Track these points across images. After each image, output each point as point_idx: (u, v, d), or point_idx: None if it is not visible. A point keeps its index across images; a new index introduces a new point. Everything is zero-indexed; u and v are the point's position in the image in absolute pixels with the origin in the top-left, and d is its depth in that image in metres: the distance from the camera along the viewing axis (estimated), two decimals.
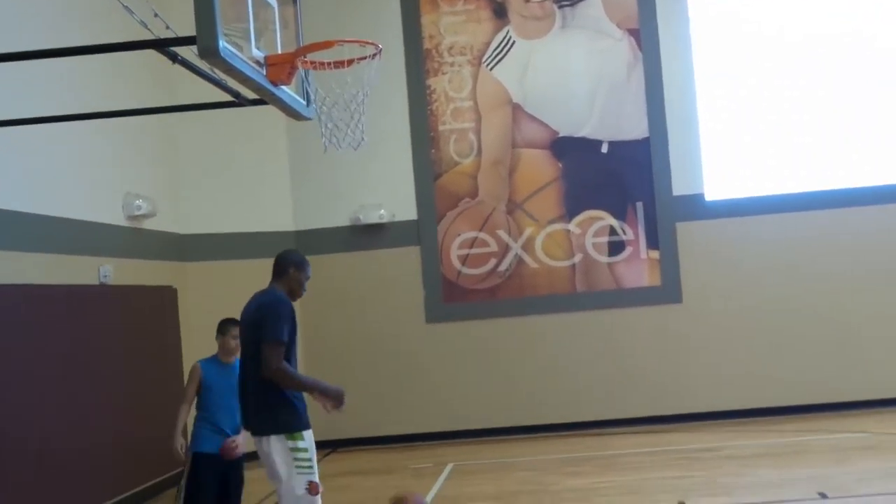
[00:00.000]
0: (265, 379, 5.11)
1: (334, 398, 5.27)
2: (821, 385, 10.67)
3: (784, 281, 10.81)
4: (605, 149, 11.15)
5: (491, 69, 11.31)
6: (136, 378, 8.79)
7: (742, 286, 10.89)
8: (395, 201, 11.33)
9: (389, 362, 11.21)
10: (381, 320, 11.25)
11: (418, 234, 11.33)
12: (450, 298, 11.25)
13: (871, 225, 10.79)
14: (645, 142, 11.09)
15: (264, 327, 5.12)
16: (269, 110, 6.80)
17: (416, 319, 11.29)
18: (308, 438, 5.22)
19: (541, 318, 11.16)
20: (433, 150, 11.35)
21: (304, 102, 6.04)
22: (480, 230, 11.26)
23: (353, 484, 9.09)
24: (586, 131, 11.18)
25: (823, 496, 6.86)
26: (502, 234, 11.24)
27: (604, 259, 11.11)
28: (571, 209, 11.18)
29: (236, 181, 10.87)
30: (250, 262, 10.81)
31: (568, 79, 11.24)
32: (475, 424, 11.10)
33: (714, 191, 11.08)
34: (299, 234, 11.37)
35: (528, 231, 11.22)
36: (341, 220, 11.36)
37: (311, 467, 5.16)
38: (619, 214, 11.11)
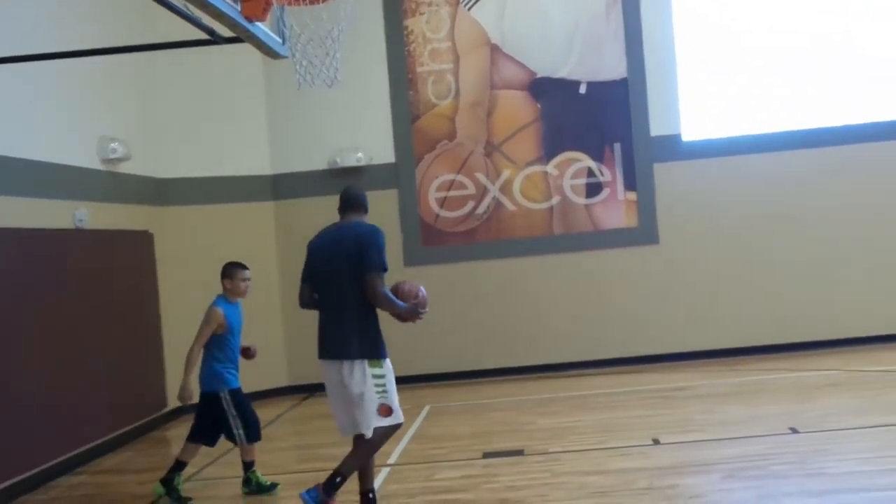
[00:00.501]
0: (361, 306, 5.43)
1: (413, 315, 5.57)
2: (791, 324, 10.73)
3: (760, 221, 10.81)
4: (583, 89, 11.02)
5: (469, 9, 11.11)
6: (112, 323, 8.71)
7: (718, 227, 10.88)
8: (373, 144, 11.19)
9: None
10: None
11: (396, 177, 11.22)
12: (428, 241, 11.19)
13: (848, 163, 10.78)
14: (623, 82, 10.97)
15: (368, 257, 5.40)
16: (245, 51, 6.68)
17: (394, 262, 11.20)
18: (386, 366, 5.54)
19: (518, 260, 11.13)
20: (411, 92, 11.20)
21: (280, 40, 5.95)
22: (458, 173, 11.17)
23: (330, 426, 9.06)
24: (564, 72, 11.05)
25: (794, 431, 6.93)
26: (480, 176, 11.15)
27: (581, 201, 11.06)
28: (549, 151, 11.10)
29: (212, 124, 10.67)
30: (226, 206, 10.73)
31: (546, 19, 11.06)
32: (452, 367, 11.12)
33: (691, 131, 11.01)
34: (276, 178, 11.24)
35: (505, 173, 11.14)
36: (319, 163, 11.22)
37: (386, 392, 5.49)
38: (597, 156, 11.03)
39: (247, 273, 6.54)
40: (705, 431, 7.26)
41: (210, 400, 6.42)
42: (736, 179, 10.88)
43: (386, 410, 5.48)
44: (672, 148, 10.93)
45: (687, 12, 11.02)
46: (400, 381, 11.36)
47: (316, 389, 11.04)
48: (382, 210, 11.18)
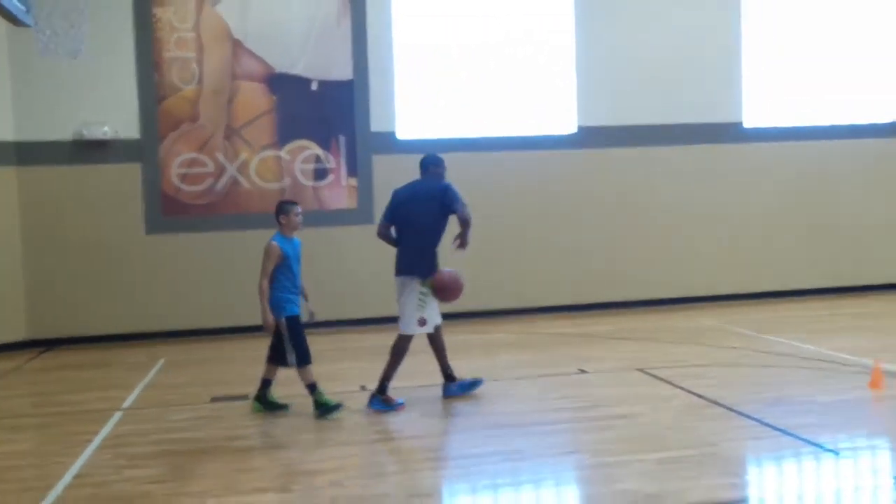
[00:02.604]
0: (429, 240, 6.96)
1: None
2: (478, 295, 11.82)
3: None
4: (314, 87, 11.52)
5: (214, 5, 11.26)
6: None
7: None
8: (119, 120, 11.07)
9: (110, 269, 11.10)
10: (103, 231, 11.07)
11: (140, 152, 11.18)
12: (168, 212, 11.26)
13: (519, 167, 12.03)
14: (349, 83, 11.58)
15: (455, 201, 6.93)
16: None
17: (137, 230, 11.21)
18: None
19: (252, 232, 11.38)
20: (157, 75, 11.17)
21: (24, 8, 5.80)
22: (199, 152, 11.31)
23: (69, 376, 9.05)
24: (299, 69, 11.48)
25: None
26: (220, 156, 11.35)
27: (310, 183, 11.58)
28: (283, 138, 11.50)
29: None
30: None
31: (285, 20, 11.43)
32: (191, 324, 11.30)
33: (406, 130, 11.83)
34: (20, 146, 10.83)
35: (243, 155, 11.42)
36: (64, 134, 10.94)
37: (424, 306, 6.88)
38: (325, 145, 11.58)
39: (299, 209, 6.98)
40: (413, 379, 8.00)
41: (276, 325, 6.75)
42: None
43: (423, 321, 6.91)
44: (388, 143, 11.69)
45: (408, 19, 11.78)
46: (138, 336, 11.45)
47: (55, 344, 10.84)
48: (126, 182, 11.17)
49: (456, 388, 7.18)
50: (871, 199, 13.03)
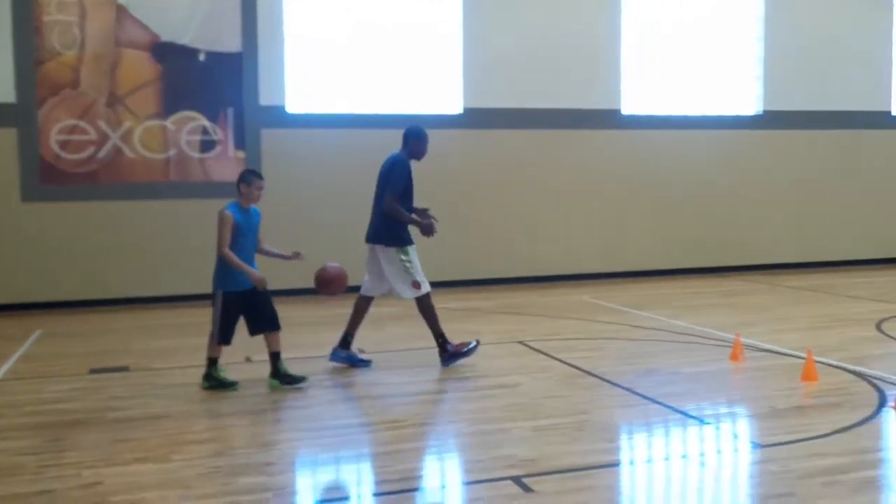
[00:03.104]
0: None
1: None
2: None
3: (349, 184, 11.70)
4: (202, 57, 11.15)
5: None
6: None
7: (315, 185, 11.61)
8: None
9: None
10: None
11: (16, 117, 10.58)
12: (46, 180, 10.71)
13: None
14: (238, 55, 11.26)
15: (389, 185, 7.08)
16: None
17: (11, 198, 10.63)
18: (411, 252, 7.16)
19: (136, 203, 11.06)
20: (36, 38, 10.58)
21: None
22: (80, 119, 10.79)
23: None
24: (186, 40, 11.08)
25: (362, 351, 7.81)
26: (102, 124, 10.87)
27: (196, 155, 11.23)
28: (169, 108, 11.10)
29: None
30: None
31: None
32: (70, 295, 10.82)
33: (296, 105, 11.61)
34: None
35: (126, 124, 10.96)
36: None
37: (411, 270, 7.10)
38: (212, 117, 11.24)
39: (262, 183, 6.51)
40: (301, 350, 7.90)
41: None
42: (331, 149, 11.65)
43: (418, 286, 7.12)
44: (278, 117, 11.45)
45: None
46: (13, 307, 10.95)
47: None
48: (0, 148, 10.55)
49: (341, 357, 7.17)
50: (735, 186, 13.60)
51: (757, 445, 5.13)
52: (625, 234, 13.15)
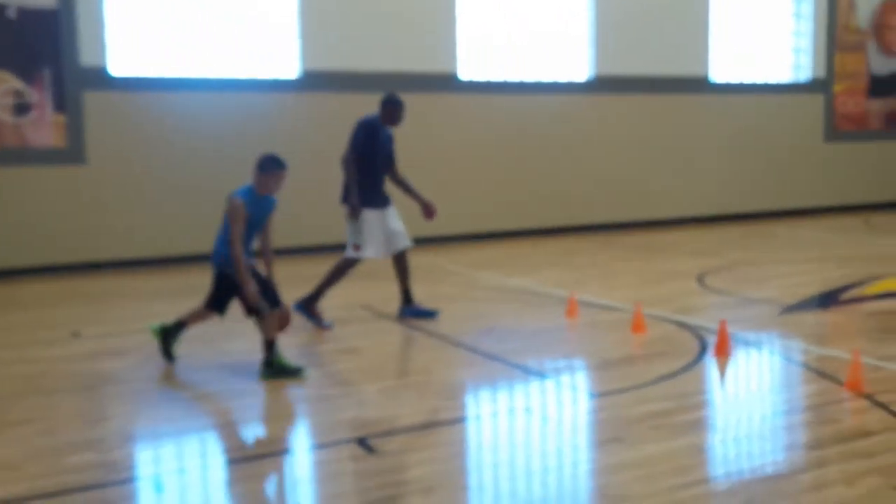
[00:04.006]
0: (351, 173, 7.33)
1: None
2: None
3: (179, 151, 11.28)
4: (12, 14, 10.36)
5: None
6: None
7: (145, 151, 11.12)
8: None
9: None
10: None
11: None
12: None
13: (255, 109, 11.70)
14: (54, 12, 10.54)
15: (349, 143, 7.40)
16: None
17: None
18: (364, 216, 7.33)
19: None
20: None
21: None
22: None
23: None
24: None
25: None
26: None
27: (10, 119, 10.46)
28: None
29: None
30: None
31: None
32: None
33: (121, 67, 11.02)
34: None
35: None
36: None
37: (359, 234, 7.30)
38: (27, 78, 10.49)
39: (285, 174, 5.81)
40: (122, 325, 7.60)
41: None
42: (159, 112, 11.17)
43: (357, 248, 7.30)
44: (101, 79, 10.83)
45: None
46: None
47: None
48: None
49: (408, 312, 7.61)
50: (569, 149, 14.08)
51: (592, 395, 5.39)
52: (463, 197, 13.36)
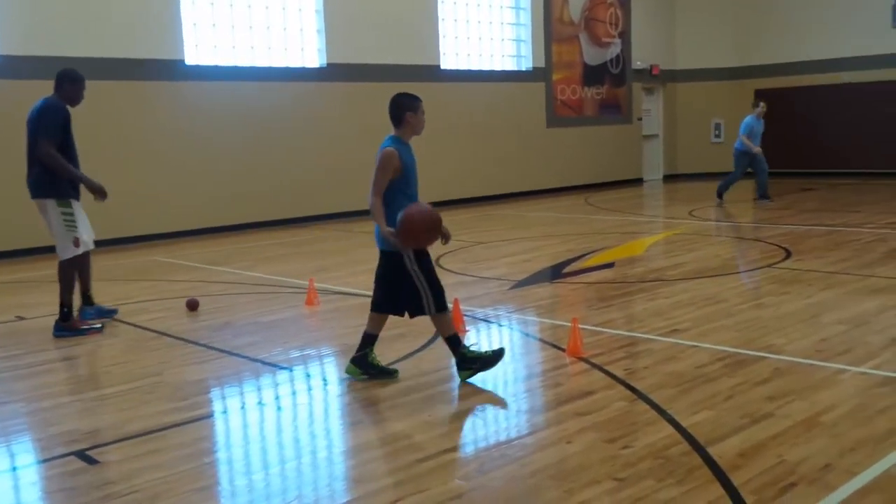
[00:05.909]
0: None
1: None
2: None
3: None
4: None
5: None
6: None
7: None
8: None
9: None
10: None
11: None
12: None
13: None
14: None
15: (39, 132, 6.47)
16: None
17: None
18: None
19: None
20: None
21: None
22: None
23: None
24: None
25: (21, 318, 6.69)
26: None
27: None
28: None
29: None
30: None
31: None
32: None
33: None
34: None
35: None
36: None
37: (75, 226, 6.56)
38: None
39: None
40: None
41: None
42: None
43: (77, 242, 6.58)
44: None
45: None
46: None
47: None
48: None
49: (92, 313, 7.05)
50: (302, 138, 13.94)
51: (332, 382, 5.33)
52: (193, 191, 12.83)
